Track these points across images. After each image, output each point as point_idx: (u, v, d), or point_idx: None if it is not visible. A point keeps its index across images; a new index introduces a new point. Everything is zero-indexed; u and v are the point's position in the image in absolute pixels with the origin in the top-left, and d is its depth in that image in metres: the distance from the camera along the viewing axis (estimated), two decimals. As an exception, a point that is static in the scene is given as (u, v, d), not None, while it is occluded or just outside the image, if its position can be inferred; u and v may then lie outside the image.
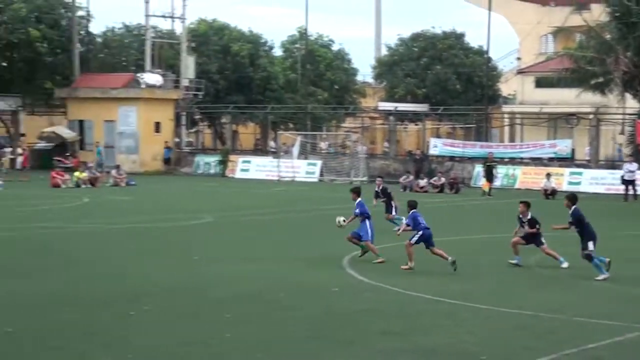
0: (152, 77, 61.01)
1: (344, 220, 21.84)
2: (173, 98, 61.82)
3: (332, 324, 14.65)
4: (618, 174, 44.37)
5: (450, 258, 19.75)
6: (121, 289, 17.50)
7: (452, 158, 53.68)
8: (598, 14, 50.85)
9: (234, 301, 16.37)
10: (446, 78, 67.73)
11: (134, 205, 37.28)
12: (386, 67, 72.77)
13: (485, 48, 63.38)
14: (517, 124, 62.14)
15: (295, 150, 57.38)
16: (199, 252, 22.68)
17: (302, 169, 55.76)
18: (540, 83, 64.21)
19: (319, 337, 13.78)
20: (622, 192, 42.57)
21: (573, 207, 19.32)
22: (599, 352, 13.07)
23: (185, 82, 62.74)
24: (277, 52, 75.57)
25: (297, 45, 75.28)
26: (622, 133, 54.86)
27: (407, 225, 20.59)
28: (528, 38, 76.87)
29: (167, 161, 61.02)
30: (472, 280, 19.09)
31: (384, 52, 78.55)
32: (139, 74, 61.84)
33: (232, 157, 59.16)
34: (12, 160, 58.15)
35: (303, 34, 71.84)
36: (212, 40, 68.84)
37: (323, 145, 62.20)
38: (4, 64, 60.78)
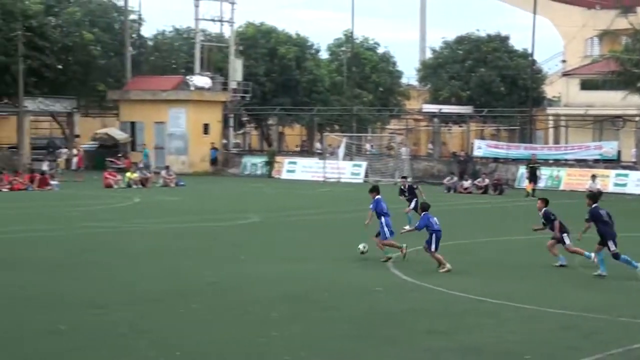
0: (201, 80, 61.69)
1: (364, 247, 21.81)
2: (221, 100, 62.44)
3: (377, 323, 14.79)
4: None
5: (447, 266, 19.94)
6: (171, 287, 17.89)
7: (496, 159, 53.70)
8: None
9: (280, 301, 16.60)
10: (490, 80, 67.49)
11: (183, 206, 37.85)
12: (431, 70, 72.67)
13: (529, 51, 63.18)
14: (562, 126, 61.88)
15: (341, 151, 57.74)
16: (245, 252, 23.07)
17: (347, 170, 56.11)
18: (586, 85, 63.83)
19: (364, 337, 13.90)
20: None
21: (593, 206, 19.76)
22: (644, 353, 13.10)
23: (233, 85, 63.30)
24: (324, 55, 75.86)
25: (343, 48, 75.47)
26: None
27: (416, 229, 20.76)
28: (573, 41, 76.42)
29: (213, 162, 61.61)
30: (515, 280, 19.27)
31: (429, 55, 78.44)
32: (188, 77, 62.56)
33: (278, 159, 59.69)
34: (67, 161, 59.16)
35: (349, 37, 72.07)
36: (259, 43, 69.32)
37: (368, 146, 62.45)
38: (59, 66, 61.48)
